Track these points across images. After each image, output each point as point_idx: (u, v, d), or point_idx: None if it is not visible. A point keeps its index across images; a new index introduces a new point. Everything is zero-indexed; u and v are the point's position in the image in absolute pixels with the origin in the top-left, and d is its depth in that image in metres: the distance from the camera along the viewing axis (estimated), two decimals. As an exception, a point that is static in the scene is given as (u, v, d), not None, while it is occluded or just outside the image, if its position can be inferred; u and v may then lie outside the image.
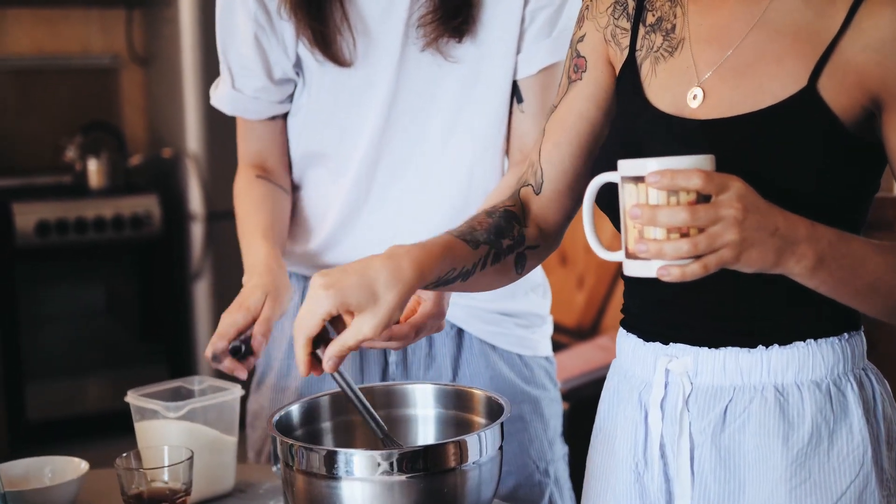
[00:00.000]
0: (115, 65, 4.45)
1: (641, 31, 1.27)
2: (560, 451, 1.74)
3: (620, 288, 1.50)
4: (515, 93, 1.60)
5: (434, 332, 1.34)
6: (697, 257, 1.01)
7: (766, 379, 1.18)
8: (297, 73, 1.62)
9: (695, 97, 1.20)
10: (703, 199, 1.02)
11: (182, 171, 3.92)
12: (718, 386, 1.19)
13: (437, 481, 1.14)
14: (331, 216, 1.66)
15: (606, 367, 1.36)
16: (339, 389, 1.37)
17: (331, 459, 1.13)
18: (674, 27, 1.25)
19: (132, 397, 1.49)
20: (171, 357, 4.06)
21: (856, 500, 1.16)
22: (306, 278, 1.72)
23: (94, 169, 4.07)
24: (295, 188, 1.71)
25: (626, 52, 1.28)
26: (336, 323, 1.17)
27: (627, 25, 1.29)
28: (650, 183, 1.02)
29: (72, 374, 3.99)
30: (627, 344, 1.29)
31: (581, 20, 1.35)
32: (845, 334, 1.20)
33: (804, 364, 1.18)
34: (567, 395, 1.83)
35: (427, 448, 1.15)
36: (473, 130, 1.60)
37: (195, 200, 3.86)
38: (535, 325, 1.72)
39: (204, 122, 3.81)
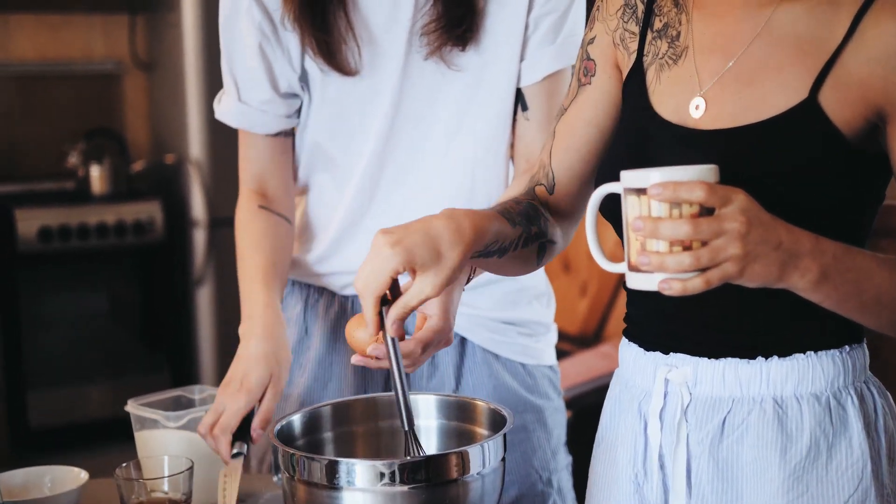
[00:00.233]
0: (117, 71, 4.45)
1: (649, 35, 1.27)
2: (563, 460, 1.73)
3: (623, 296, 1.49)
4: (520, 100, 1.59)
5: (442, 348, 1.33)
6: (702, 270, 1.00)
7: (765, 391, 1.17)
8: (303, 87, 1.61)
9: (697, 107, 1.19)
10: (706, 211, 1.01)
11: (184, 178, 3.92)
12: (717, 397, 1.19)
13: (439, 492, 1.13)
14: (334, 223, 1.66)
15: (609, 376, 1.35)
16: (340, 399, 1.37)
17: (332, 469, 1.13)
18: (678, 34, 1.24)
19: (132, 406, 1.49)
20: (174, 364, 4.06)
21: (855, 515, 1.15)
22: (308, 286, 1.71)
23: (96, 175, 4.07)
24: (299, 195, 1.71)
25: (633, 57, 1.28)
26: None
27: (636, 29, 1.29)
28: (652, 195, 1.01)
29: (73, 381, 3.99)
30: (629, 353, 1.28)
31: (592, 21, 1.35)
32: (846, 347, 1.19)
33: (804, 376, 1.17)
34: (570, 403, 1.82)
35: (429, 458, 1.14)
36: (476, 135, 1.60)
37: (197, 206, 3.86)
38: (538, 334, 1.71)
39: (206, 128, 3.81)
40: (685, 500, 1.19)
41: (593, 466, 1.32)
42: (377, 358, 1.23)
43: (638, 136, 1.23)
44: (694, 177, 1.02)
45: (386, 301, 1.15)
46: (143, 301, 4.14)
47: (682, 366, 1.20)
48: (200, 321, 3.93)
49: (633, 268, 1.05)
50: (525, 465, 1.66)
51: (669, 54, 1.24)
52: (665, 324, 1.23)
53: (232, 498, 1.37)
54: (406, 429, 1.20)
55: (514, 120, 1.61)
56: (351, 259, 1.65)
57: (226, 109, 1.65)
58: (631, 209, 1.04)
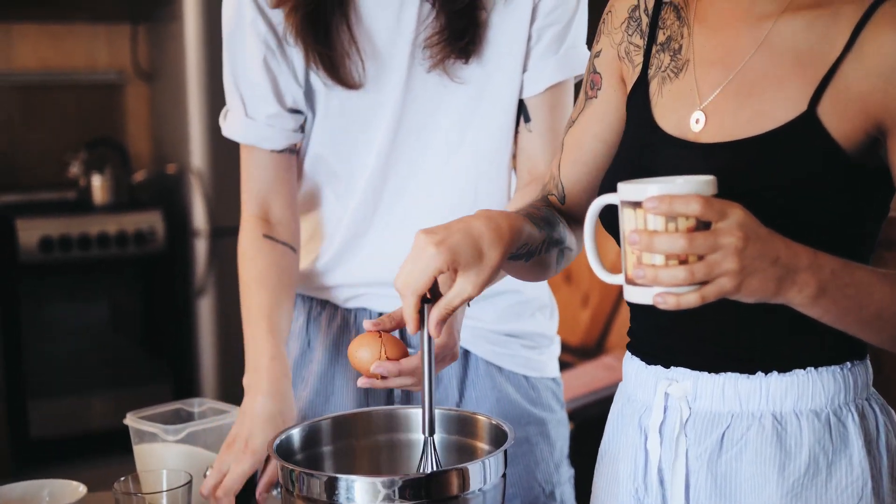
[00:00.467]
0: (119, 80, 4.45)
1: (654, 49, 1.27)
2: (566, 473, 1.72)
3: (625, 307, 1.49)
4: (522, 112, 1.59)
5: (448, 363, 1.31)
6: (699, 284, 0.99)
7: (765, 406, 1.16)
8: (307, 102, 1.60)
9: (697, 121, 1.19)
10: (703, 225, 1.00)
11: (186, 188, 3.92)
12: (716, 412, 1.18)
13: (439, 509, 1.12)
14: (337, 236, 1.65)
15: (611, 387, 1.35)
16: (339, 413, 1.36)
17: (331, 486, 1.12)
18: (680, 48, 1.24)
19: (131, 420, 1.48)
20: (175, 374, 4.06)
21: (854, 534, 1.14)
22: (311, 299, 1.70)
23: (98, 185, 4.07)
24: (303, 209, 1.69)
25: (638, 70, 1.28)
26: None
27: (640, 42, 1.28)
28: (648, 208, 1.00)
29: (75, 391, 3.98)
30: (631, 367, 1.28)
31: (598, 34, 1.35)
32: (848, 363, 1.18)
33: (803, 392, 1.16)
34: (571, 415, 1.82)
35: (430, 476, 1.13)
36: (478, 147, 1.59)
37: (199, 217, 3.86)
38: (541, 346, 1.70)
39: (208, 138, 3.81)
40: (683, 514, 1.19)
41: (596, 481, 1.32)
42: (382, 377, 1.23)
43: (640, 149, 1.23)
44: (691, 189, 1.01)
45: (425, 300, 1.15)
46: (144, 311, 4.14)
47: (682, 380, 1.20)
48: (202, 331, 3.92)
49: (629, 281, 1.04)
50: (528, 478, 1.65)
51: (671, 67, 1.24)
52: (664, 337, 1.23)
53: None
54: (426, 435, 1.19)
55: (516, 132, 1.60)
56: (354, 272, 1.64)
57: (232, 125, 1.62)
58: (627, 222, 1.03)
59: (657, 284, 1.00)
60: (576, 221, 1.36)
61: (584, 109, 1.35)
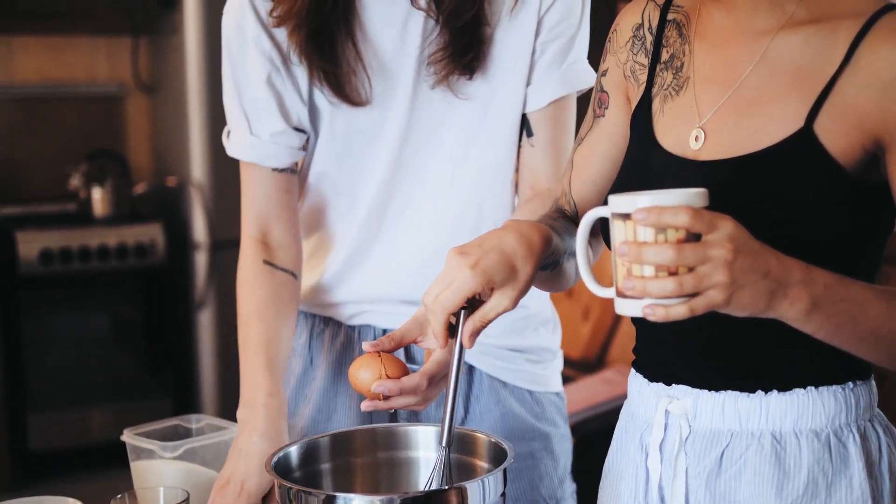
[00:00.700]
0: (120, 93, 4.46)
1: (657, 67, 1.27)
2: (569, 488, 1.71)
3: (626, 321, 1.48)
4: (525, 126, 1.58)
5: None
6: (692, 296, 0.98)
7: (764, 426, 1.15)
8: (311, 121, 1.59)
9: (696, 138, 1.18)
10: (693, 237, 0.99)
11: (186, 200, 3.92)
12: (716, 430, 1.17)
13: (437, 527, 1.11)
14: (341, 253, 1.64)
15: (612, 402, 1.35)
16: (338, 430, 1.35)
17: (329, 504, 1.11)
18: (682, 65, 1.24)
19: (128, 436, 1.47)
20: (175, 386, 4.05)
21: (853, 556, 1.13)
22: (314, 316, 1.69)
23: (98, 197, 4.07)
24: (306, 226, 1.68)
25: (642, 88, 1.28)
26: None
27: (645, 61, 1.29)
28: (637, 220, 1.00)
29: (75, 404, 3.97)
30: (635, 384, 1.28)
31: (605, 53, 1.36)
32: (850, 383, 1.17)
33: (803, 412, 1.15)
34: (573, 430, 1.81)
35: (428, 494, 1.12)
36: (483, 162, 1.59)
37: (199, 229, 3.86)
38: (545, 361, 1.70)
39: (209, 150, 3.81)
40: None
41: (600, 498, 1.31)
42: (385, 398, 1.22)
43: (641, 166, 1.23)
44: (681, 201, 1.00)
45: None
46: (144, 323, 4.13)
47: (682, 397, 1.20)
48: (202, 343, 3.92)
49: (619, 293, 1.04)
50: (532, 493, 1.65)
51: (673, 85, 1.24)
52: (660, 352, 1.22)
53: None
54: (444, 444, 1.19)
55: (519, 146, 1.59)
56: (358, 289, 1.63)
57: (237, 144, 1.60)
58: (617, 234, 1.03)
59: (646, 296, 1.00)
60: (590, 235, 1.37)
61: (592, 128, 1.36)
